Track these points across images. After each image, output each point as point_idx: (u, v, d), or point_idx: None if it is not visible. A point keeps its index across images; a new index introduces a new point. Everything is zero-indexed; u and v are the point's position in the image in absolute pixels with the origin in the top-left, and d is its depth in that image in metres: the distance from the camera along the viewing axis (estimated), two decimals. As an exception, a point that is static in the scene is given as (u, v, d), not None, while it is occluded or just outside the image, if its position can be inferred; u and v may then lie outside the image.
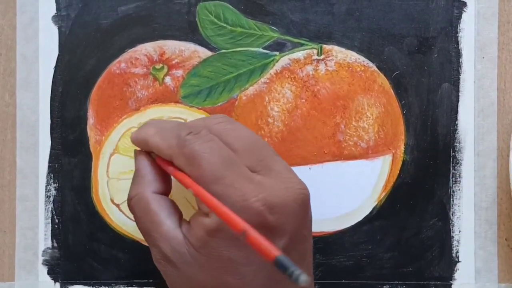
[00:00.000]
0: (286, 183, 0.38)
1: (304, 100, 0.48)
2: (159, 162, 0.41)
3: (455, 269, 0.47)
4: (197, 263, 0.38)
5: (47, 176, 0.48)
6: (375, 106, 0.48)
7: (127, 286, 0.48)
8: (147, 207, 0.39)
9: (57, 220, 0.48)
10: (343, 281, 0.47)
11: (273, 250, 0.32)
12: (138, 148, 0.43)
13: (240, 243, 0.37)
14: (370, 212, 0.47)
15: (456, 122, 0.47)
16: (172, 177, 0.42)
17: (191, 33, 0.48)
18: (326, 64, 0.48)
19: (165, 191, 0.41)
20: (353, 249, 0.47)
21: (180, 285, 0.39)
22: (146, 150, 0.42)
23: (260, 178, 0.38)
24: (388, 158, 0.48)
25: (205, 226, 0.37)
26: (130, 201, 0.40)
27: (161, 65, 0.48)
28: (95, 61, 0.48)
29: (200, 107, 0.48)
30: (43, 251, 0.48)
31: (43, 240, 0.48)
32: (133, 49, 0.48)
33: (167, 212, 0.39)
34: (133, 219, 0.46)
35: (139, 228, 0.40)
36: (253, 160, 0.39)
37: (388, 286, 0.47)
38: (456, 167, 0.47)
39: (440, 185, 0.47)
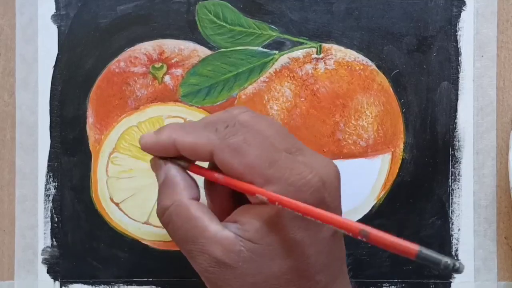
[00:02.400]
0: (324, 160, 0.38)
1: (303, 99, 0.48)
2: (194, 170, 0.39)
3: (455, 267, 0.47)
4: (258, 256, 0.36)
5: (46, 175, 0.48)
6: (374, 104, 0.48)
7: (127, 285, 0.48)
8: (188, 214, 0.37)
9: (56, 219, 0.48)
10: (342, 279, 0.47)
11: (411, 245, 0.32)
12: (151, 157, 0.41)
13: (303, 224, 0.36)
14: (370, 211, 0.47)
15: (455, 121, 0.47)
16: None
17: (190, 32, 0.48)
18: (325, 63, 0.48)
19: (198, 197, 0.39)
20: (353, 248, 0.47)
21: (240, 286, 0.37)
22: (169, 156, 0.40)
23: (301, 158, 0.37)
24: (387, 156, 0.48)
25: (263, 214, 0.36)
26: (166, 211, 0.38)
27: (160, 64, 0.48)
28: (94, 60, 0.48)
29: (199, 106, 0.48)
30: (43, 250, 0.48)
31: (43, 239, 0.48)
32: (133, 48, 0.48)
33: (209, 215, 0.37)
34: (132, 218, 0.46)
35: (179, 239, 0.38)
36: (288, 144, 0.38)
37: (387, 285, 0.47)
38: (455, 165, 0.47)
39: (439, 183, 0.47)
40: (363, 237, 0.34)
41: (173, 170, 0.39)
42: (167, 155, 0.39)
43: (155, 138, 0.39)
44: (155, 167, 0.40)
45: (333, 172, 0.38)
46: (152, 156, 0.40)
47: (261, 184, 0.36)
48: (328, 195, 0.36)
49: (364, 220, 0.47)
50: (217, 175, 0.38)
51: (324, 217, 0.34)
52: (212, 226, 0.37)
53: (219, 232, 0.36)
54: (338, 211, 0.38)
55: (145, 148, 0.40)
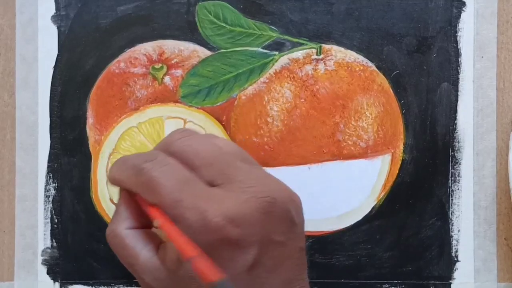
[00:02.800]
0: (247, 193, 0.37)
1: (303, 100, 0.48)
2: (138, 200, 0.40)
3: (454, 268, 0.47)
4: (179, 285, 0.38)
5: (46, 176, 0.48)
6: (374, 105, 0.48)
7: (126, 286, 0.48)
8: (122, 243, 0.40)
9: (56, 220, 0.48)
10: (342, 280, 0.47)
11: (214, 275, 0.33)
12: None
13: (219, 256, 0.36)
14: (370, 212, 0.47)
15: (455, 122, 0.47)
16: None
17: (190, 32, 0.48)
18: (325, 63, 0.48)
19: (142, 225, 0.41)
20: (353, 249, 0.47)
21: None
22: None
23: (220, 192, 0.37)
24: (387, 157, 0.48)
25: (176, 250, 0.37)
26: (107, 238, 0.41)
27: (160, 64, 0.48)
28: (94, 60, 0.48)
29: (199, 106, 0.48)
30: (43, 250, 0.48)
31: (43, 239, 0.48)
32: (133, 48, 0.48)
33: (142, 243, 0.39)
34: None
35: (122, 262, 0.40)
36: (214, 174, 0.38)
37: (387, 286, 0.47)
38: (455, 166, 0.47)
39: (439, 184, 0.47)
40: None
41: (120, 200, 0.41)
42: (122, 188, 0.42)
43: (108, 175, 0.42)
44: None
45: (254, 205, 0.37)
46: None
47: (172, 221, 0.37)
48: (239, 232, 0.36)
49: (364, 221, 0.47)
50: (146, 208, 0.39)
51: (168, 234, 0.36)
52: (143, 254, 0.39)
53: (148, 260, 0.39)
54: (264, 244, 0.37)
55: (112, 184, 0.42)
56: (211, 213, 0.36)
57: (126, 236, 0.40)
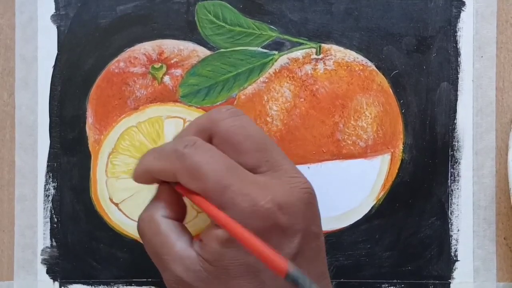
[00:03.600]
0: (291, 183, 0.38)
1: (303, 99, 0.48)
2: (178, 189, 0.40)
3: (454, 268, 0.47)
4: (215, 278, 0.37)
5: (46, 176, 0.48)
6: (374, 105, 0.48)
7: (126, 285, 0.48)
8: (157, 229, 0.39)
9: (56, 219, 0.48)
10: (341, 280, 0.47)
11: (287, 265, 0.33)
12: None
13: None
14: (369, 211, 0.47)
15: (455, 121, 0.47)
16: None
17: (190, 32, 0.48)
18: (324, 63, 0.48)
19: (177, 218, 0.40)
20: (352, 248, 0.47)
21: None
22: (153, 182, 0.41)
23: (265, 179, 0.37)
24: (386, 157, 0.48)
25: (218, 238, 0.37)
26: (139, 222, 0.40)
27: (160, 64, 0.48)
28: (94, 60, 0.48)
29: (199, 106, 0.48)
30: (42, 250, 0.48)
31: (42, 239, 0.48)
32: (132, 48, 0.48)
33: (177, 233, 0.39)
34: (132, 218, 0.46)
35: (149, 252, 0.40)
36: (259, 160, 0.38)
37: (386, 285, 0.47)
38: (454, 166, 0.47)
39: (438, 184, 0.47)
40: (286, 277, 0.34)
41: (161, 188, 0.40)
42: (152, 182, 0.41)
43: (136, 171, 0.41)
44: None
45: (297, 195, 0.37)
46: None
47: (218, 208, 0.37)
48: (287, 219, 0.36)
49: (364, 220, 0.47)
50: (189, 195, 0.39)
51: (251, 246, 0.35)
52: (178, 244, 0.38)
53: (182, 251, 0.38)
54: (306, 234, 0.38)
55: (136, 181, 0.42)
56: (262, 199, 0.36)
57: (162, 223, 0.39)
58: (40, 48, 0.48)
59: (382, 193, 0.47)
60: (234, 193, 0.36)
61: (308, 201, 0.38)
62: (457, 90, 0.47)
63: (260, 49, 0.48)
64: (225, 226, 0.35)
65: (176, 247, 0.38)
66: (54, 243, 0.48)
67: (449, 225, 0.47)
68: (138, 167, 0.41)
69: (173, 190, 0.40)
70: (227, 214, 0.36)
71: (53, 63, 0.48)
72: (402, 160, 0.48)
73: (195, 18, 0.48)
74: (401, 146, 0.48)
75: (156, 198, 0.40)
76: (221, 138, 0.39)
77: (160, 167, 0.39)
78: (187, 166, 0.37)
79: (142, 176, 0.41)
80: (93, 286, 0.48)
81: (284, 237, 0.36)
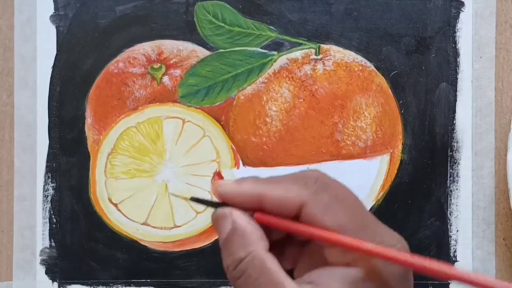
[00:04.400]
0: (396, 233, 0.35)
1: (302, 100, 0.48)
2: (264, 219, 0.36)
3: (453, 268, 0.47)
4: None
5: (45, 176, 0.48)
6: (373, 105, 0.48)
7: (125, 286, 0.48)
8: (264, 267, 0.34)
9: (55, 220, 0.48)
10: (341, 280, 0.47)
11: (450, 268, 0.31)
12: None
13: (384, 285, 0.34)
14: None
15: (454, 122, 0.47)
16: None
17: (189, 32, 0.48)
18: (324, 63, 0.48)
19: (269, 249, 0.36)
20: (351, 249, 0.47)
21: None
22: (248, 208, 0.36)
23: (383, 226, 0.35)
24: (386, 157, 0.48)
25: (347, 278, 0.34)
26: (239, 263, 0.35)
27: (159, 64, 0.48)
28: (93, 60, 0.48)
29: (198, 106, 0.48)
30: (41, 250, 0.48)
31: (41, 239, 0.48)
32: (131, 48, 0.48)
33: (283, 271, 0.34)
34: (131, 219, 0.46)
35: None
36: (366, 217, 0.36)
37: (386, 286, 0.47)
38: (454, 166, 0.47)
39: (438, 184, 0.47)
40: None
41: (243, 219, 0.35)
42: (247, 208, 0.36)
43: (237, 189, 0.36)
44: (219, 215, 0.37)
45: (406, 245, 0.35)
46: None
47: None
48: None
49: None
50: (298, 225, 0.35)
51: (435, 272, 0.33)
52: (287, 283, 0.34)
53: None
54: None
55: (224, 198, 0.36)
56: (396, 242, 0.34)
57: (267, 258, 0.34)
58: (39, 48, 0.48)
59: (381, 194, 0.47)
60: (372, 232, 0.33)
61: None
62: (456, 91, 0.47)
63: (259, 49, 0.48)
64: (366, 251, 0.33)
65: (287, 285, 0.33)
66: (53, 244, 0.48)
67: (448, 226, 0.47)
68: (245, 186, 0.36)
69: (254, 220, 0.36)
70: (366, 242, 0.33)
71: (52, 63, 0.48)
72: (401, 161, 0.48)
73: (194, 19, 0.48)
74: (400, 147, 0.48)
75: (243, 231, 0.35)
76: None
77: (282, 194, 0.35)
78: (321, 198, 0.34)
79: (245, 197, 0.36)
80: (92, 287, 0.48)
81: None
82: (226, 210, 0.36)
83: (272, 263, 0.34)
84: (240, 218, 0.35)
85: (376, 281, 0.33)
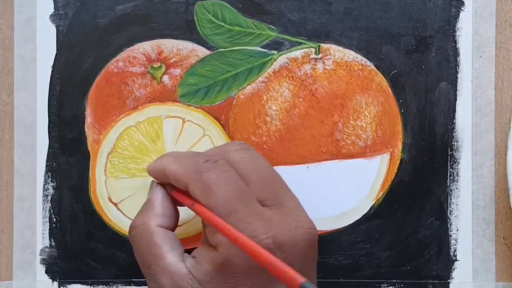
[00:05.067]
0: (296, 221, 0.38)
1: (302, 99, 0.48)
2: (176, 195, 0.40)
3: (453, 268, 0.47)
4: None
5: (45, 175, 0.48)
6: (373, 105, 0.48)
7: (125, 285, 0.48)
8: (150, 239, 0.38)
9: (55, 219, 0.48)
10: (341, 280, 0.47)
11: (299, 278, 0.32)
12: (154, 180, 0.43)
13: (247, 273, 0.36)
14: (368, 211, 0.47)
15: (454, 121, 0.47)
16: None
17: (189, 32, 0.48)
18: (324, 63, 0.48)
19: (171, 227, 0.40)
20: (351, 248, 0.47)
21: None
22: (163, 182, 0.41)
23: (270, 213, 0.37)
24: (386, 157, 0.48)
25: (213, 260, 0.37)
26: (132, 230, 0.40)
27: (159, 64, 0.48)
28: (93, 60, 0.48)
29: (198, 106, 0.48)
30: (41, 250, 0.48)
31: (41, 239, 0.48)
32: (131, 48, 0.48)
33: (171, 245, 0.38)
34: (131, 218, 0.46)
35: (138, 260, 0.39)
36: (266, 194, 0.38)
37: (386, 285, 0.47)
38: (453, 165, 0.47)
39: (437, 183, 0.47)
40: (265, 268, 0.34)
41: (156, 194, 0.40)
42: (162, 181, 0.41)
43: (153, 165, 0.41)
44: (150, 186, 0.42)
45: (301, 235, 0.37)
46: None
47: None
48: (284, 257, 0.36)
49: (363, 220, 0.47)
50: (191, 203, 0.38)
51: (238, 239, 0.35)
52: (170, 256, 0.38)
53: (174, 265, 0.37)
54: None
55: (149, 174, 0.42)
56: (263, 233, 0.36)
57: (156, 232, 0.39)
58: (39, 48, 0.48)
59: (381, 193, 0.47)
60: (238, 219, 0.36)
61: (311, 243, 0.38)
62: (456, 90, 0.47)
63: (259, 48, 0.48)
64: (230, 236, 0.35)
65: (167, 260, 0.38)
66: (53, 243, 0.48)
67: (448, 225, 0.47)
68: (156, 162, 0.41)
69: (168, 197, 0.40)
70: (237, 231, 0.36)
71: (52, 63, 0.48)
72: (401, 160, 0.48)
73: (194, 18, 0.48)
74: (400, 146, 0.48)
75: (150, 204, 0.40)
76: (233, 167, 0.39)
77: (176, 171, 0.39)
78: (201, 180, 0.37)
79: (156, 172, 0.41)
80: (92, 286, 0.48)
81: None
82: (153, 182, 0.41)
83: (160, 238, 0.38)
84: (155, 192, 0.40)
85: (236, 267, 0.36)
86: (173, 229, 0.41)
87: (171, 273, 0.37)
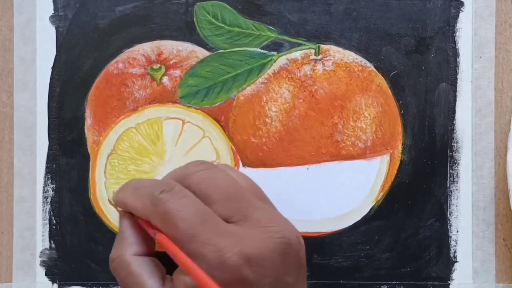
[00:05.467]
0: (264, 232, 0.37)
1: (301, 100, 0.48)
2: (141, 223, 0.40)
3: (453, 269, 0.47)
4: None
5: (44, 177, 0.48)
6: (373, 106, 0.48)
7: (125, 287, 0.48)
8: (128, 270, 0.39)
9: (54, 221, 0.48)
10: (340, 281, 0.47)
11: None
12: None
13: None
14: (368, 212, 0.47)
15: (454, 122, 0.47)
16: None
17: (188, 33, 0.48)
18: (323, 64, 0.48)
19: (147, 252, 0.41)
20: (351, 250, 0.47)
21: None
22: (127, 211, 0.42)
23: (236, 229, 0.37)
24: (385, 158, 0.48)
25: (186, 284, 0.37)
26: (111, 264, 0.40)
27: (158, 65, 0.48)
28: (92, 61, 0.48)
29: (197, 107, 0.48)
30: (41, 252, 0.48)
31: (41, 241, 0.48)
32: (131, 49, 0.48)
33: (149, 272, 0.39)
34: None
35: None
36: (231, 210, 0.38)
37: (386, 287, 0.47)
38: (453, 167, 0.47)
39: (437, 185, 0.47)
40: None
41: (124, 224, 0.41)
42: (127, 211, 0.42)
43: (115, 197, 0.42)
44: (119, 216, 0.42)
45: (271, 246, 0.37)
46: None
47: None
48: (253, 271, 0.36)
49: (363, 221, 0.47)
50: (153, 233, 0.39)
51: (190, 271, 0.35)
52: (150, 283, 0.38)
53: None
54: (275, 285, 0.37)
55: (113, 204, 0.43)
56: (229, 251, 0.35)
57: (132, 262, 0.39)
58: (39, 49, 0.48)
59: (381, 194, 0.47)
60: (201, 243, 0.36)
61: (282, 252, 0.37)
62: (456, 91, 0.47)
63: (259, 49, 0.48)
64: (191, 273, 0.36)
65: (148, 286, 0.38)
66: (53, 245, 0.48)
67: (448, 226, 0.47)
68: (118, 194, 0.42)
69: (137, 224, 0.40)
70: (196, 264, 0.36)
71: (51, 64, 0.48)
72: (401, 161, 0.48)
73: (194, 19, 0.48)
74: (400, 147, 0.48)
75: (122, 236, 0.41)
76: (193, 190, 0.39)
77: (135, 205, 0.40)
78: (159, 212, 0.37)
79: (119, 204, 0.42)
80: (92, 288, 0.48)
81: None
82: (120, 213, 0.42)
83: (137, 267, 0.39)
84: (123, 223, 0.41)
85: None
86: (150, 253, 0.41)
87: None
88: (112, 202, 0.43)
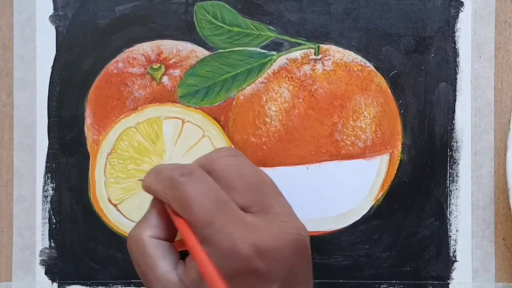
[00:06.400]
0: (281, 226, 0.38)
1: (301, 100, 0.48)
2: (167, 208, 0.40)
3: (453, 268, 0.47)
4: None
5: (44, 176, 0.48)
6: (373, 105, 0.48)
7: (125, 286, 0.48)
8: (143, 249, 0.39)
9: (54, 220, 0.48)
10: (340, 280, 0.47)
11: None
12: None
13: (232, 279, 0.36)
14: (368, 212, 0.47)
15: (453, 122, 0.47)
16: None
17: (188, 32, 0.48)
18: (323, 63, 0.48)
19: (166, 238, 0.41)
20: (351, 249, 0.47)
21: None
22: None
23: (253, 219, 0.37)
24: (385, 157, 0.48)
25: (197, 270, 0.37)
26: (128, 241, 0.40)
27: (158, 64, 0.48)
28: (92, 60, 0.48)
29: (197, 106, 0.48)
30: (41, 251, 0.48)
31: (41, 240, 0.48)
32: (131, 48, 0.48)
33: (163, 255, 0.39)
34: (130, 219, 0.46)
35: (136, 270, 0.40)
36: (251, 200, 0.38)
37: (385, 286, 0.47)
38: (453, 166, 0.47)
39: (437, 184, 0.47)
40: None
41: (151, 207, 0.41)
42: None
43: (143, 182, 0.42)
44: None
45: (286, 240, 0.37)
46: None
47: (200, 242, 0.37)
48: (265, 265, 0.36)
49: (362, 221, 0.47)
50: (175, 218, 0.39)
51: (200, 264, 0.36)
52: (162, 266, 0.39)
53: (166, 273, 0.38)
54: (287, 280, 0.37)
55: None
56: (242, 241, 0.36)
57: (148, 243, 0.39)
58: (39, 48, 0.48)
59: (380, 194, 0.47)
60: (216, 230, 0.36)
61: (296, 248, 0.37)
62: (456, 91, 0.47)
63: (258, 49, 0.48)
64: (197, 261, 0.36)
65: (160, 269, 0.38)
66: (53, 244, 0.48)
67: (448, 226, 0.47)
68: (144, 180, 0.41)
69: (165, 209, 0.40)
70: (208, 250, 0.36)
71: (51, 64, 0.48)
72: (400, 161, 0.48)
73: (194, 19, 0.48)
74: (399, 147, 0.48)
75: (146, 217, 0.41)
76: (216, 176, 0.39)
77: (156, 189, 0.40)
78: (177, 195, 0.38)
79: (145, 189, 0.42)
80: (91, 287, 0.48)
81: (260, 282, 0.36)
82: (152, 197, 0.41)
83: (151, 249, 0.39)
84: (152, 205, 0.41)
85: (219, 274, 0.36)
86: (169, 240, 0.41)
87: (163, 281, 0.38)
88: (144, 189, 0.42)
